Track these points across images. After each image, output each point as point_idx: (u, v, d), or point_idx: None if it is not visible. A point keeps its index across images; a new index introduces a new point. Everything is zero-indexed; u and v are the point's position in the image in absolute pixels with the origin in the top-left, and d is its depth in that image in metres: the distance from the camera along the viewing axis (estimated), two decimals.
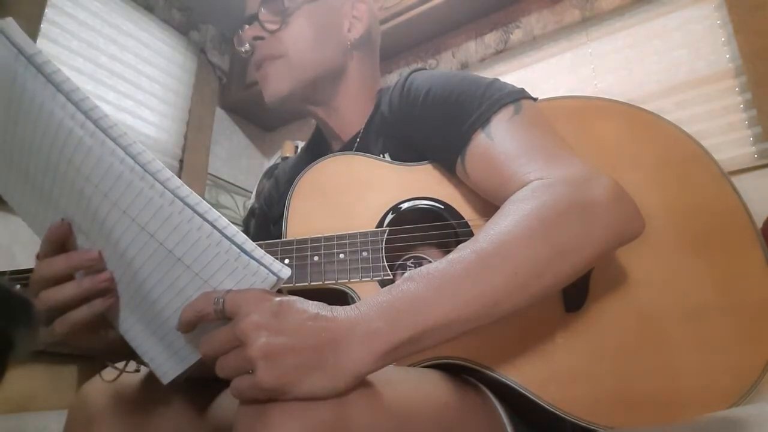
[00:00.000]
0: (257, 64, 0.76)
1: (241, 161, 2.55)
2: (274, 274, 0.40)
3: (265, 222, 0.87)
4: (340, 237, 0.63)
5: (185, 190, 0.41)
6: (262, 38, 0.74)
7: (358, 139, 0.76)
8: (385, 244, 0.62)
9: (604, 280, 0.59)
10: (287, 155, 2.08)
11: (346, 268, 0.62)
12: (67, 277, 0.47)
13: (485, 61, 1.98)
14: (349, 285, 0.61)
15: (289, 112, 0.80)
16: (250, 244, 0.40)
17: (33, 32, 1.69)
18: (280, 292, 0.46)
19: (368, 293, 0.60)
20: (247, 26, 0.76)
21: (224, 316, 0.39)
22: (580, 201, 0.50)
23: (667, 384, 0.56)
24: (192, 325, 0.41)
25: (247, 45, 0.76)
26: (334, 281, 0.61)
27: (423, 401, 0.47)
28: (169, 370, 0.46)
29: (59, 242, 0.47)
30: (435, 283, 0.43)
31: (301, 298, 0.41)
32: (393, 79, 2.13)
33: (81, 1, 1.93)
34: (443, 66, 2.05)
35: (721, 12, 1.55)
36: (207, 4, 2.31)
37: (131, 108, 2.05)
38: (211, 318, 0.40)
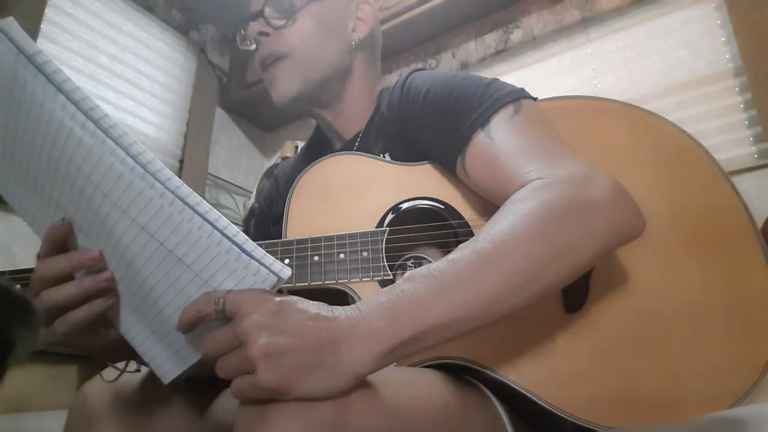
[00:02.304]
0: (262, 61, 0.75)
1: (241, 161, 2.55)
2: (274, 274, 0.40)
3: (264, 222, 0.87)
4: (340, 237, 0.63)
5: (185, 190, 0.41)
6: (267, 34, 0.74)
7: (358, 139, 0.76)
8: (386, 244, 0.62)
9: (604, 280, 0.59)
10: (287, 155, 2.08)
11: (346, 268, 0.62)
12: (68, 277, 0.47)
13: (485, 61, 1.98)
14: (349, 285, 0.61)
15: (295, 113, 0.80)
16: (250, 244, 0.40)
17: (33, 32, 1.69)
18: (280, 292, 0.46)
19: (368, 293, 0.60)
20: (251, 23, 0.76)
21: (225, 316, 0.39)
22: (580, 200, 0.50)
23: (667, 384, 0.56)
24: (192, 325, 0.41)
25: (251, 42, 0.76)
26: (334, 281, 0.61)
27: (423, 401, 0.47)
28: (169, 370, 0.46)
29: (60, 242, 0.47)
30: (435, 283, 0.43)
31: (301, 298, 0.41)
32: (393, 79, 2.13)
33: (81, 1, 1.93)
34: (443, 66, 2.05)
35: (721, 12, 1.55)
36: (207, 4, 2.31)
37: (131, 108, 2.05)
38: (212, 318, 0.40)
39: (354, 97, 0.78)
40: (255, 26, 0.75)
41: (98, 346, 0.51)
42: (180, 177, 0.41)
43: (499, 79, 0.66)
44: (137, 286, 0.45)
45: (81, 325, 0.47)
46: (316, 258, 0.62)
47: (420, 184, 0.67)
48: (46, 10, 1.77)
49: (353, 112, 0.78)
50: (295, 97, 0.74)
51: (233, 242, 0.40)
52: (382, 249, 0.62)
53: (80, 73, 1.88)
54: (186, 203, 0.40)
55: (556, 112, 0.66)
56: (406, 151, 0.69)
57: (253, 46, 0.77)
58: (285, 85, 0.74)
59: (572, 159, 0.56)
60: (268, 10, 0.74)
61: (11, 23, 0.43)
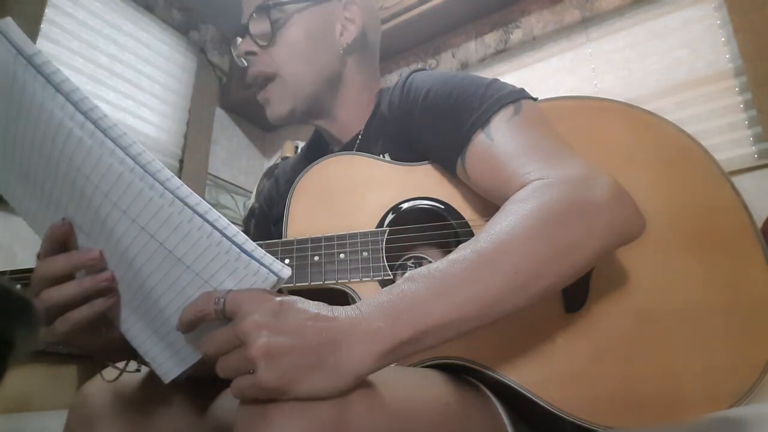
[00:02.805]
0: (252, 80, 0.75)
1: (241, 161, 2.55)
2: (274, 273, 0.40)
3: (265, 222, 0.87)
4: (341, 237, 0.63)
5: (185, 191, 0.41)
6: (254, 53, 0.74)
7: (358, 140, 0.76)
8: (386, 244, 0.62)
9: (604, 280, 0.59)
10: (287, 155, 2.08)
11: (346, 268, 0.62)
12: (68, 277, 0.47)
13: (485, 61, 1.98)
14: (349, 285, 0.61)
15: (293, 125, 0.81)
16: (250, 244, 0.40)
17: (33, 32, 1.69)
18: (280, 292, 0.46)
19: (368, 293, 0.60)
20: (240, 39, 0.75)
21: (225, 316, 0.39)
22: (580, 201, 0.50)
23: (667, 384, 0.56)
24: (192, 325, 0.41)
25: (242, 60, 0.76)
26: (334, 281, 0.61)
27: (423, 401, 0.47)
28: (170, 369, 0.46)
29: (60, 242, 0.47)
30: (435, 283, 0.43)
31: (301, 298, 0.41)
32: (393, 79, 2.13)
33: (81, 1, 1.93)
34: (443, 66, 2.05)
35: (721, 12, 1.56)
36: (207, 4, 2.31)
37: (131, 108, 2.05)
38: (212, 318, 0.40)
39: (349, 101, 0.78)
40: (243, 45, 0.75)
41: (98, 345, 0.51)
42: (180, 177, 0.41)
43: (499, 80, 0.66)
44: (137, 285, 0.45)
45: (81, 324, 0.47)
46: (316, 258, 0.62)
47: (420, 184, 0.67)
48: (46, 10, 1.77)
49: (349, 116, 0.78)
50: (287, 115, 0.75)
51: (233, 242, 0.40)
52: (382, 249, 0.62)
53: (80, 73, 1.88)
54: (186, 203, 0.40)
55: (556, 113, 0.66)
56: (406, 152, 0.69)
57: (245, 63, 0.77)
58: (277, 106, 0.74)
59: (572, 159, 0.56)
60: (252, 26, 0.73)
61: (9, 24, 0.42)
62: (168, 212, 0.40)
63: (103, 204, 0.43)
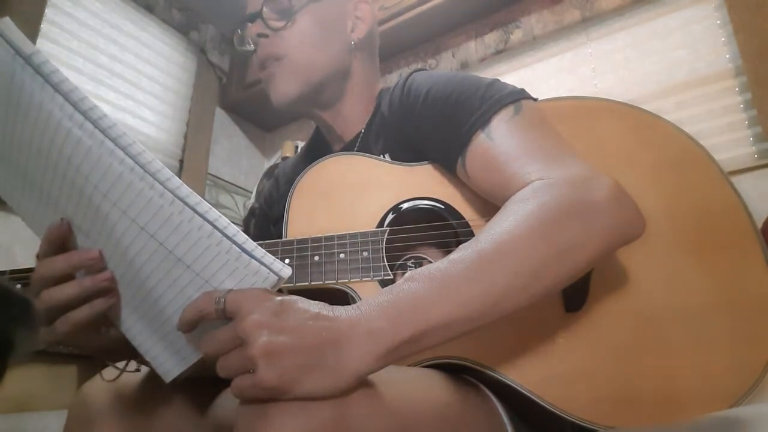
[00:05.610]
0: (260, 62, 0.75)
1: (241, 161, 2.55)
2: (274, 273, 0.40)
3: (265, 222, 0.87)
4: (341, 237, 0.63)
5: (185, 190, 0.41)
6: (266, 36, 0.74)
7: (359, 140, 0.76)
8: (386, 244, 0.62)
9: (605, 280, 0.59)
10: (287, 155, 2.08)
11: (346, 268, 0.62)
12: (68, 277, 0.47)
13: (485, 61, 1.98)
14: (349, 285, 0.61)
15: (295, 114, 0.81)
16: (250, 244, 0.40)
17: (33, 32, 1.68)
18: (280, 292, 0.46)
19: (369, 293, 0.60)
20: (249, 24, 0.76)
21: (225, 316, 0.39)
22: (580, 201, 0.50)
23: (667, 384, 0.56)
24: (193, 325, 0.41)
25: (250, 43, 0.76)
26: (334, 281, 0.61)
27: (423, 401, 0.47)
28: (170, 369, 0.46)
29: (59, 242, 0.47)
30: (436, 283, 0.43)
31: (302, 298, 0.41)
32: (393, 79, 2.13)
33: (81, 1, 1.93)
34: (443, 66, 2.05)
35: (721, 12, 1.55)
36: (207, 4, 2.31)
37: (131, 108, 2.05)
38: (212, 317, 0.40)
39: (353, 97, 0.78)
40: (253, 28, 0.75)
41: (99, 345, 0.51)
42: (180, 177, 0.41)
43: (499, 80, 0.66)
44: (138, 285, 0.45)
45: (82, 324, 0.47)
46: (316, 258, 0.62)
47: (420, 184, 0.67)
48: (46, 10, 1.77)
49: (353, 113, 0.78)
50: (294, 99, 0.74)
51: (233, 242, 0.40)
52: (382, 249, 0.62)
53: (80, 73, 1.88)
54: (186, 203, 0.40)
55: (556, 113, 0.66)
56: (406, 152, 0.69)
57: (252, 48, 0.77)
58: (284, 87, 0.74)
59: (573, 160, 0.56)
60: (266, 12, 0.74)
61: (8, 23, 0.42)
62: (168, 212, 0.40)
63: (103, 204, 0.43)
